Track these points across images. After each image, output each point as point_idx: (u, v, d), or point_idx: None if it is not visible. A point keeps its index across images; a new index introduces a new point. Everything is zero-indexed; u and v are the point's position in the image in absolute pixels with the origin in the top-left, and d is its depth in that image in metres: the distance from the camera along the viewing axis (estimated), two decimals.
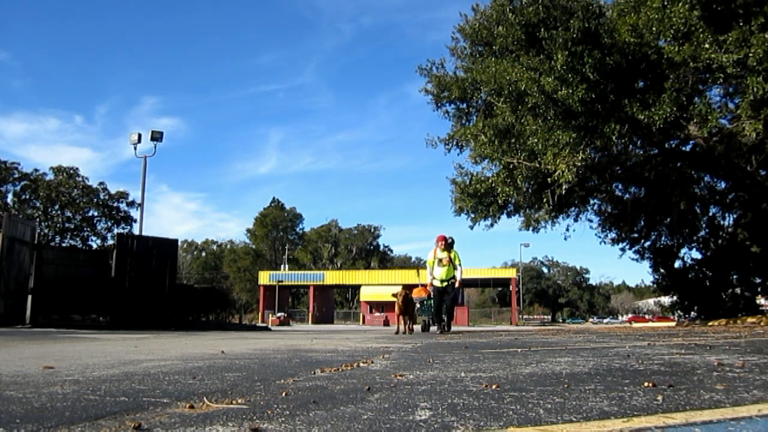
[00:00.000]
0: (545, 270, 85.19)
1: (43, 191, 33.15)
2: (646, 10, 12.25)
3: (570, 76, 12.46)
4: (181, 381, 2.22)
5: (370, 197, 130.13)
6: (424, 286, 11.73)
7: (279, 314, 45.92)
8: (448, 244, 10.68)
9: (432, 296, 10.97)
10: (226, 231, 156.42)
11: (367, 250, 79.94)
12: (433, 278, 10.60)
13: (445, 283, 10.50)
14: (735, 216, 19.86)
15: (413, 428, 1.25)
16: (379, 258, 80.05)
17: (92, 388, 1.95)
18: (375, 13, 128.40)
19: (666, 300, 26.80)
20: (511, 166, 14.61)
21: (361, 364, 2.92)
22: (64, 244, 32.77)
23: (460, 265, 10.63)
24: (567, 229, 18.84)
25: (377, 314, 40.16)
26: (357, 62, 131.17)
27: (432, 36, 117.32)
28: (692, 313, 21.30)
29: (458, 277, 10.57)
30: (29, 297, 13.43)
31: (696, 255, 20.91)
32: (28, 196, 33.84)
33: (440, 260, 10.49)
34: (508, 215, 17.42)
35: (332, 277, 54.70)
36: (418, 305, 11.74)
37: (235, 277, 75.21)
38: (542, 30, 12.98)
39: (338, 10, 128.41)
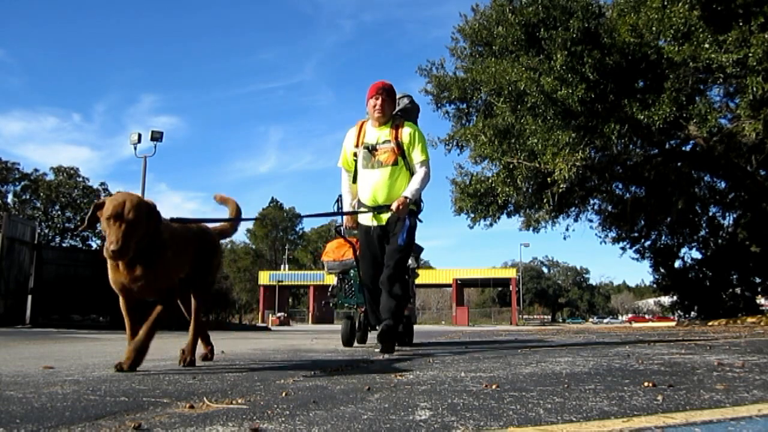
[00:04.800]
0: (545, 270, 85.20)
1: (43, 191, 33.16)
2: (646, 10, 12.27)
3: (569, 76, 12.48)
4: (181, 381, 2.23)
5: None
6: (348, 235, 4.92)
7: (279, 314, 45.92)
8: (393, 111, 4.33)
9: (359, 255, 4.55)
10: None
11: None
12: (359, 203, 4.36)
13: (384, 218, 4.19)
14: (735, 216, 19.88)
15: (413, 428, 1.25)
16: None
17: (92, 388, 1.95)
18: (375, 10, 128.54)
19: (666, 300, 26.85)
20: (511, 166, 14.63)
21: (361, 364, 2.92)
22: (64, 244, 32.76)
23: (424, 163, 4.16)
24: (567, 229, 18.88)
25: None
26: (357, 59, 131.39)
27: (433, 33, 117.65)
28: (692, 313, 21.32)
29: (412, 192, 4.05)
30: (29, 297, 13.42)
31: (696, 255, 20.96)
32: (28, 197, 33.84)
33: (370, 151, 4.19)
34: (508, 215, 17.46)
35: (332, 277, 54.54)
36: (334, 283, 5.81)
37: (235, 277, 75.17)
38: (542, 30, 13.00)
39: (338, 6, 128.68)
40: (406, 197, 3.97)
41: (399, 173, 4.15)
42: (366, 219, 4.24)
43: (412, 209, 4.14)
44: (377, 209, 4.16)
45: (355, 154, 4.29)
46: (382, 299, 4.12)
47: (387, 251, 4.14)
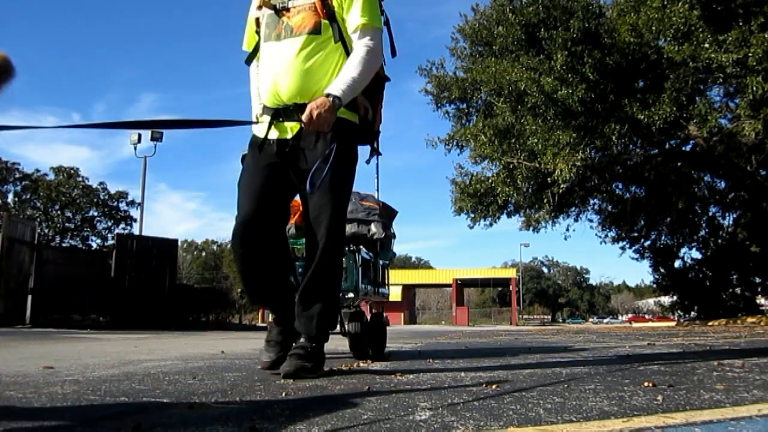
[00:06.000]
0: (545, 270, 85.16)
1: (43, 191, 33.15)
2: (646, 10, 12.27)
3: (570, 76, 12.48)
4: (181, 381, 2.23)
5: None
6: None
7: None
8: None
9: (238, 184, 2.50)
10: (225, 230, 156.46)
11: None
12: (261, 106, 2.47)
13: (290, 128, 2.36)
14: (735, 216, 19.91)
15: (413, 428, 1.25)
16: None
17: (92, 388, 1.95)
18: None
19: (666, 300, 26.87)
20: (511, 166, 14.65)
21: (361, 364, 2.92)
22: (64, 244, 32.75)
23: (367, 30, 2.34)
24: (567, 229, 18.92)
25: None
26: None
27: (434, 32, 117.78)
28: (692, 313, 21.35)
29: (341, 88, 2.23)
30: (29, 297, 13.41)
31: (696, 255, 21.00)
32: (28, 196, 33.84)
33: (278, 12, 2.39)
34: (508, 215, 17.48)
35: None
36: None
37: (235, 277, 75.16)
38: (542, 30, 13.01)
39: None
40: (329, 96, 2.18)
41: (322, 49, 2.33)
42: (261, 127, 2.42)
43: (345, 120, 2.34)
44: (281, 115, 2.33)
45: (259, 22, 2.53)
46: (300, 298, 2.35)
47: (325, 212, 2.30)
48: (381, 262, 3.77)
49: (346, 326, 3.19)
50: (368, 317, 3.35)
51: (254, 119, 2.52)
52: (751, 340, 5.58)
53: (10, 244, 12.83)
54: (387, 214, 3.65)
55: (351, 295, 3.24)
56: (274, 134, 2.39)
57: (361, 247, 3.37)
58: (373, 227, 3.39)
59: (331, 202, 2.30)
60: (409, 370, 2.59)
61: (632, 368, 2.64)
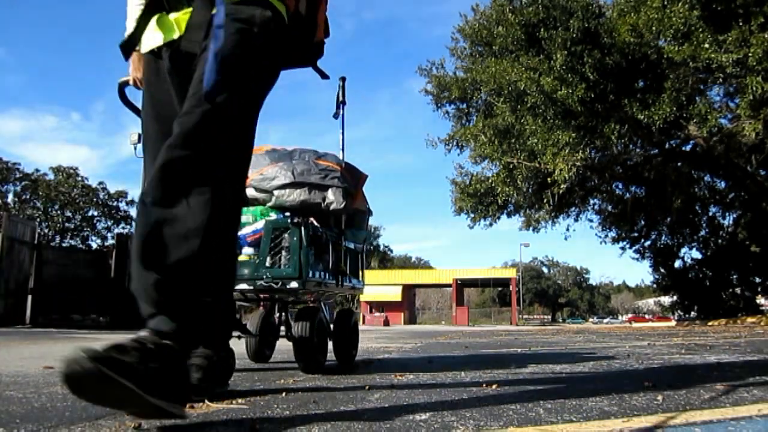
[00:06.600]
0: (545, 270, 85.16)
1: (43, 191, 33.17)
2: (646, 10, 12.28)
3: (569, 76, 12.49)
4: None
5: (370, 196, 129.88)
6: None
7: None
8: None
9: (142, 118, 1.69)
10: None
11: (367, 250, 79.69)
12: (140, 7, 1.53)
13: (175, 22, 1.50)
14: (735, 216, 19.92)
15: (413, 428, 1.25)
16: (379, 258, 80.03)
17: None
18: (376, 8, 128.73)
19: (666, 300, 26.90)
20: (511, 166, 14.66)
21: (361, 365, 2.92)
22: (64, 244, 32.76)
23: None
24: (567, 229, 18.94)
25: (377, 314, 40.37)
26: (358, 58, 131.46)
27: (435, 31, 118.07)
28: (692, 313, 21.37)
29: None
30: (29, 297, 13.42)
31: (696, 255, 21.03)
32: (28, 196, 33.86)
33: None
34: (508, 215, 17.50)
35: None
36: None
37: None
38: (542, 30, 13.02)
39: (339, 4, 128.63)
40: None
41: None
42: (150, 38, 1.59)
43: (266, 2, 1.47)
44: (163, 4, 1.54)
45: None
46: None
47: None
48: (351, 245, 2.88)
49: (293, 328, 2.40)
50: (327, 316, 2.62)
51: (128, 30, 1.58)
52: (751, 340, 5.58)
53: (10, 244, 12.84)
54: (351, 179, 2.73)
55: (294, 284, 2.34)
56: (157, 38, 1.55)
57: (311, 220, 2.51)
58: (330, 194, 2.54)
59: (219, 114, 1.32)
60: (409, 371, 2.59)
61: (632, 368, 2.64)
